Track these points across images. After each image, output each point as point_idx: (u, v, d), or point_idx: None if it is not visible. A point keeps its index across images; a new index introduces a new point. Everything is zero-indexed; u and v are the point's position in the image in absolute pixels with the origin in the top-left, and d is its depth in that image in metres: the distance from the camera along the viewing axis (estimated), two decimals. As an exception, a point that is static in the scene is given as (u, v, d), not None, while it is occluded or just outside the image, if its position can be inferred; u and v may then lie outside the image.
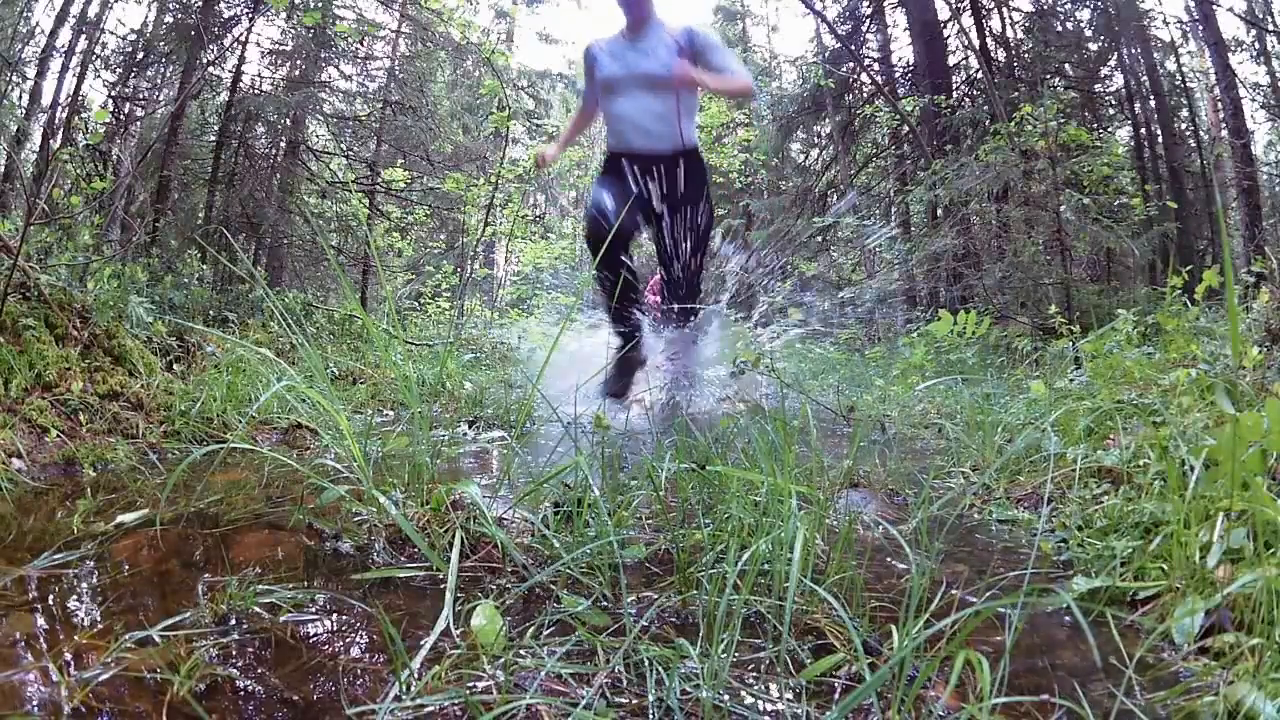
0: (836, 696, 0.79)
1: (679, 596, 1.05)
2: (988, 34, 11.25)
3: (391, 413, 3.30)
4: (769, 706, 0.78)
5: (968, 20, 11.05)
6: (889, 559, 1.29)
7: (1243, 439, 0.91)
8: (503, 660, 0.83)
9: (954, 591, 1.05)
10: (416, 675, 0.80)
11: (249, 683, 0.80)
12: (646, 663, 0.81)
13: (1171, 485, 1.12)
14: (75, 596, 1.03)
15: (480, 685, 0.79)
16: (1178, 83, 11.06)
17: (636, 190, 3.26)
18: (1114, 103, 10.94)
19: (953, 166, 7.47)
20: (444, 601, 0.96)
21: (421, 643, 0.88)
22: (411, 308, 10.01)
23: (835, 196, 11.86)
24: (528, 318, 9.96)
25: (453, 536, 1.18)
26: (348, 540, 1.26)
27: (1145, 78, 10.45)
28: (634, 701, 0.77)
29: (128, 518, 1.38)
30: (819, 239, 10.77)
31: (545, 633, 0.94)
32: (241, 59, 8.04)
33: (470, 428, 2.86)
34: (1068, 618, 1.00)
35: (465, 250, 9.28)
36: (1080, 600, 1.02)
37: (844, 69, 11.72)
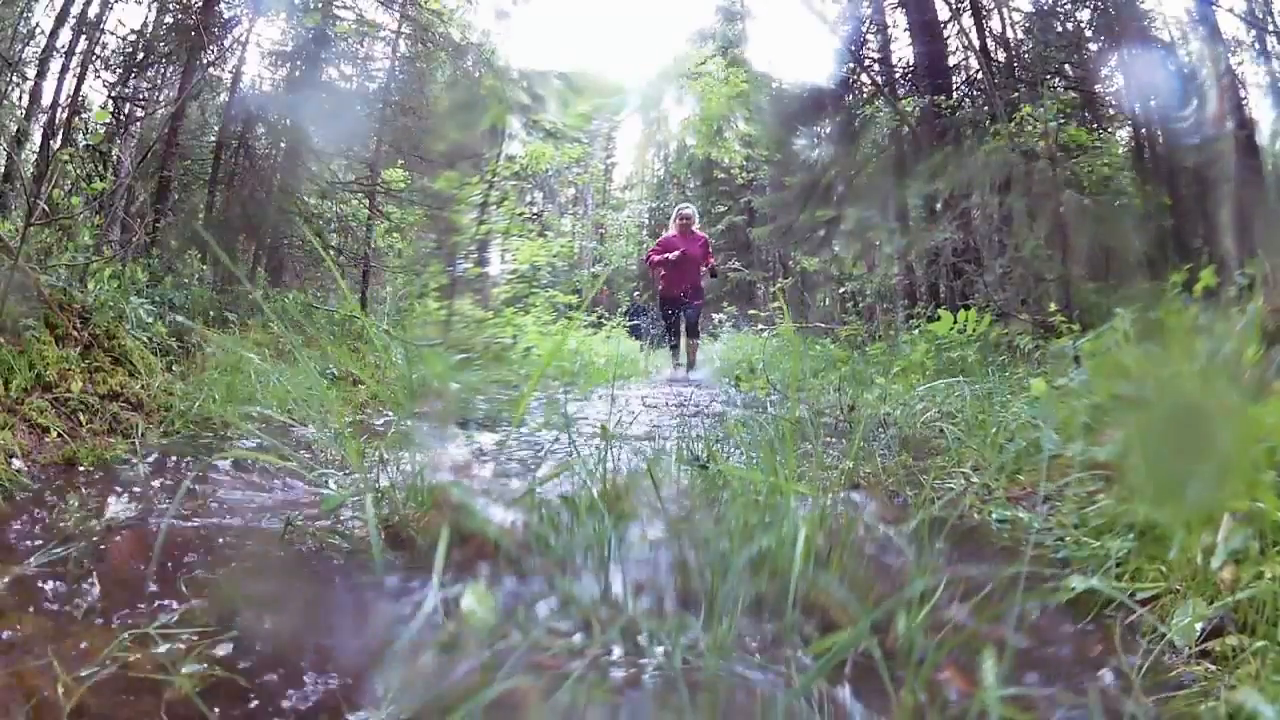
0: (847, 671, 0.79)
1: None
2: (988, 34, 11.23)
3: (392, 413, 3.29)
4: (777, 679, 0.78)
5: (968, 20, 11.04)
6: (890, 558, 1.29)
7: (1253, 434, 0.91)
8: (490, 640, 0.83)
9: (954, 588, 1.04)
10: (404, 664, 0.80)
11: (249, 680, 0.80)
12: (646, 634, 0.81)
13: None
14: (73, 595, 1.03)
15: (465, 668, 0.78)
16: (1178, 80, 11.01)
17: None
18: (1113, 103, 10.90)
19: (953, 161, 7.47)
20: (441, 594, 0.95)
21: (406, 633, 0.88)
22: (409, 308, 9.99)
23: (835, 196, 11.82)
24: (523, 315, 9.93)
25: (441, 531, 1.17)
26: (343, 541, 1.26)
27: (1145, 77, 10.41)
28: (630, 673, 0.77)
29: (128, 520, 1.38)
30: (820, 233, 10.74)
31: (539, 614, 0.93)
32: (241, 60, 8.03)
33: (462, 430, 2.84)
34: (1068, 625, 1.00)
35: (456, 248, 9.21)
36: (1078, 600, 1.02)
37: (843, 68, 11.71)
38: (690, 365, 6.85)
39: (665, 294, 7.15)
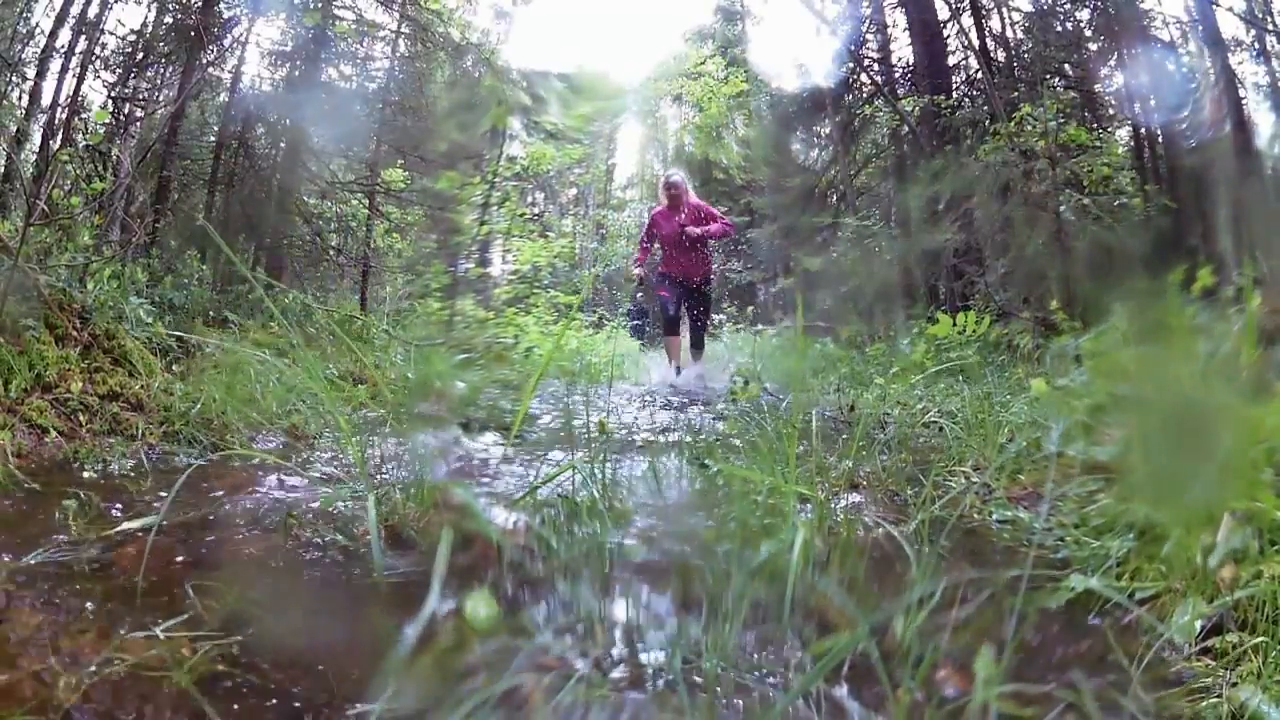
0: (845, 671, 0.79)
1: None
2: (987, 34, 11.23)
3: (392, 413, 3.29)
4: (775, 679, 0.78)
5: (968, 20, 11.04)
6: (891, 560, 1.29)
7: (1253, 434, 0.91)
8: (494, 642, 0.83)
9: (954, 589, 1.05)
10: (407, 663, 0.80)
11: (250, 680, 0.80)
12: (647, 635, 0.81)
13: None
14: (73, 594, 1.03)
15: (467, 668, 0.79)
16: (1177, 81, 11.04)
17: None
18: (1113, 103, 10.91)
19: (953, 165, 7.50)
20: (443, 595, 0.95)
21: (409, 631, 0.88)
22: (409, 309, 9.99)
23: (835, 197, 11.86)
24: (525, 316, 9.92)
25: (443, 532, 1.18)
26: (344, 540, 1.26)
27: (1145, 77, 10.43)
28: (632, 672, 0.77)
29: (132, 525, 1.38)
30: (819, 238, 10.76)
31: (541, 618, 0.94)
32: (241, 60, 8.05)
33: (463, 430, 2.84)
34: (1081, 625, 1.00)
35: (457, 249, 9.17)
36: (1078, 598, 1.02)
37: (843, 68, 11.72)
38: (694, 366, 5.81)
39: (660, 280, 6.01)
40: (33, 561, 1.12)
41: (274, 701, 0.77)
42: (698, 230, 5.70)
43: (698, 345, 5.96)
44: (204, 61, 7.52)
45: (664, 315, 5.91)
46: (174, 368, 3.03)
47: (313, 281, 9.39)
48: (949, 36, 11.22)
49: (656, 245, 6.05)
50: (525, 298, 11.71)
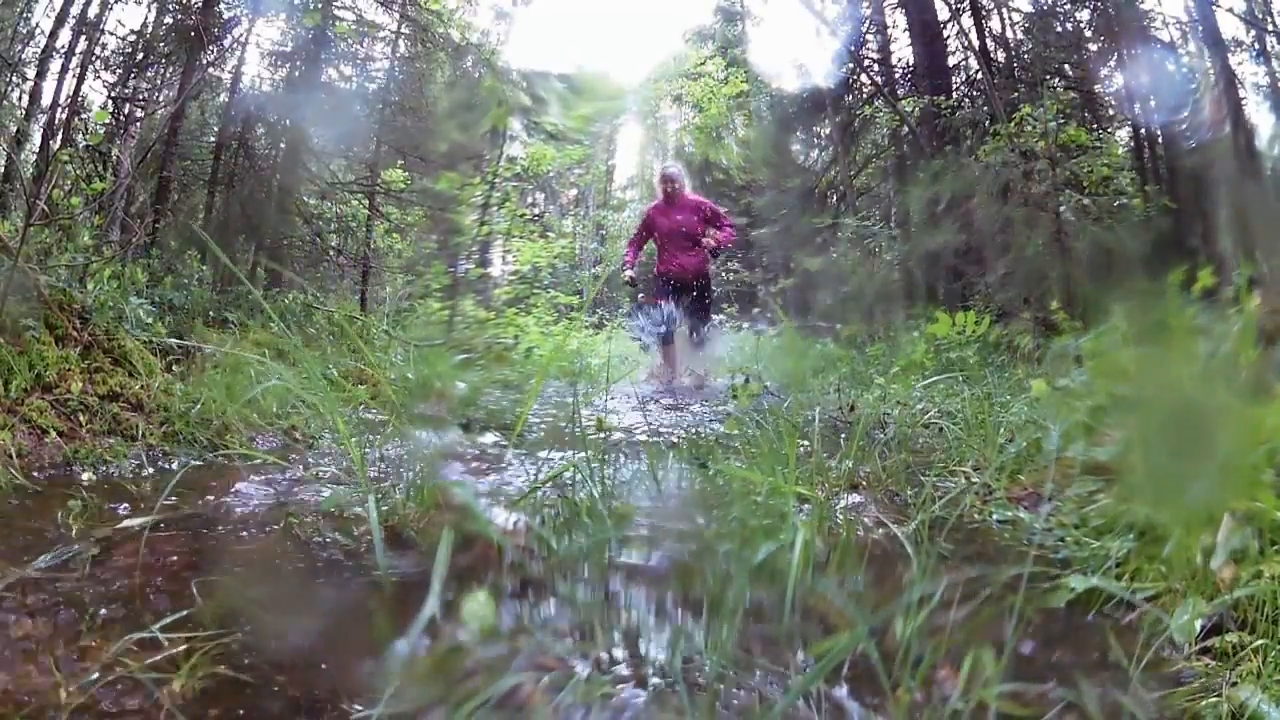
0: (845, 671, 0.79)
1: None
2: (987, 34, 11.24)
3: (391, 414, 3.29)
4: (776, 680, 0.78)
5: (967, 21, 11.05)
6: (891, 560, 1.29)
7: (1253, 435, 0.91)
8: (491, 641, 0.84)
9: (955, 589, 1.05)
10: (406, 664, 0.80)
11: (251, 680, 0.80)
12: (647, 636, 0.82)
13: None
14: (75, 596, 1.03)
15: (467, 668, 0.79)
16: (1177, 82, 11.04)
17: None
18: (1113, 103, 10.92)
19: (953, 166, 7.51)
20: (443, 594, 0.95)
21: (409, 632, 0.88)
22: (409, 309, 9.99)
23: (835, 197, 11.86)
24: (525, 316, 9.91)
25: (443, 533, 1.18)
26: (344, 540, 1.26)
27: (1145, 77, 10.44)
28: (632, 672, 0.77)
29: (132, 523, 1.38)
30: (819, 239, 10.76)
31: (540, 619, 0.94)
32: (241, 60, 8.05)
33: (464, 430, 2.84)
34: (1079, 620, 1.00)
35: (458, 249, 9.15)
36: (1077, 598, 1.02)
37: (843, 69, 11.72)
38: (696, 382, 5.37)
39: (657, 279, 5.77)
40: (41, 566, 1.12)
41: (275, 702, 0.77)
42: (713, 241, 5.53)
43: (698, 345, 5.77)
44: (204, 62, 7.52)
45: (661, 323, 5.64)
46: (174, 368, 3.03)
47: (313, 282, 9.39)
48: (949, 37, 11.23)
49: (650, 244, 5.88)
50: (525, 298, 11.72)
